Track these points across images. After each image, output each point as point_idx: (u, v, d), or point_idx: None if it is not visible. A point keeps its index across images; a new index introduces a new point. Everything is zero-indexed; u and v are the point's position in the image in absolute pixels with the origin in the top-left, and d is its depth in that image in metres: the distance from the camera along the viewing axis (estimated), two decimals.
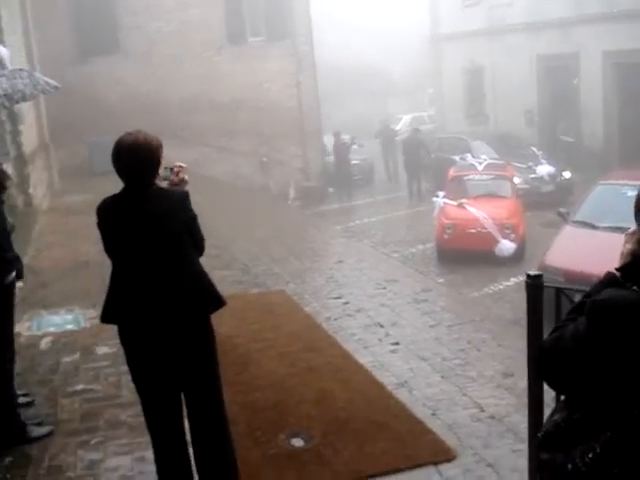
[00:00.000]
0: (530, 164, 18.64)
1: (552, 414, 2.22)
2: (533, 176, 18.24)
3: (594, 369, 1.99)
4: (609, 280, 2.10)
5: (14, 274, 5.14)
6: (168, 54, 20.32)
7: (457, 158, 18.84)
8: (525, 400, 4.32)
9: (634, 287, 2.00)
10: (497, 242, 13.12)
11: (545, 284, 4.07)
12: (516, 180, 15.94)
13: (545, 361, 2.15)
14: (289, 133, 21.58)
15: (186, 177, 4.16)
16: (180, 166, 4.15)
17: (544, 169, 18.49)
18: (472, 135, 22.23)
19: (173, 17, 20.36)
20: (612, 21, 19.85)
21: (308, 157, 22.22)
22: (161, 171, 3.92)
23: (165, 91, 20.10)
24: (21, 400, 5.54)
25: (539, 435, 2.17)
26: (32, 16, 17.16)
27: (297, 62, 21.81)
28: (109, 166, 3.87)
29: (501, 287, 11.77)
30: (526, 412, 4.26)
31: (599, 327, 1.95)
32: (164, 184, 4.00)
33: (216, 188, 17.53)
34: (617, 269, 2.11)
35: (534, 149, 19.88)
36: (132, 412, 5.42)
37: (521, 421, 5.13)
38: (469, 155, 18.48)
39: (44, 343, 7.27)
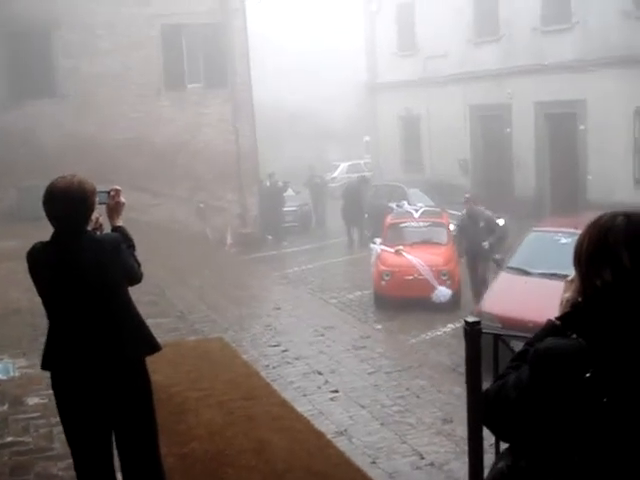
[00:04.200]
0: (464, 211, 18.93)
1: (496, 462, 2.21)
2: None
3: (537, 417, 2.00)
4: (550, 328, 2.12)
5: None
6: (106, 97, 20.15)
7: (394, 205, 19.05)
8: (464, 447, 4.32)
9: (574, 335, 2.02)
10: (434, 288, 13.24)
11: (483, 331, 4.11)
12: (452, 227, 16.17)
13: (489, 410, 2.16)
14: (227, 179, 21.56)
15: (122, 199, 4.11)
16: (116, 189, 4.10)
17: None
18: (408, 183, 22.56)
19: (111, 60, 20.25)
20: (542, 73, 20.56)
21: (245, 203, 22.20)
22: (97, 196, 3.84)
23: (103, 134, 19.89)
24: None
25: None
26: None
27: (235, 108, 21.90)
28: (40, 212, 3.78)
29: (439, 333, 11.86)
30: (466, 459, 4.25)
31: (541, 376, 1.97)
32: (99, 209, 3.91)
33: (151, 233, 17.34)
34: (557, 318, 2.14)
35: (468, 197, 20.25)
36: (64, 465, 5.23)
37: (461, 468, 5.13)
38: (405, 203, 18.70)
39: None
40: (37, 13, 19.01)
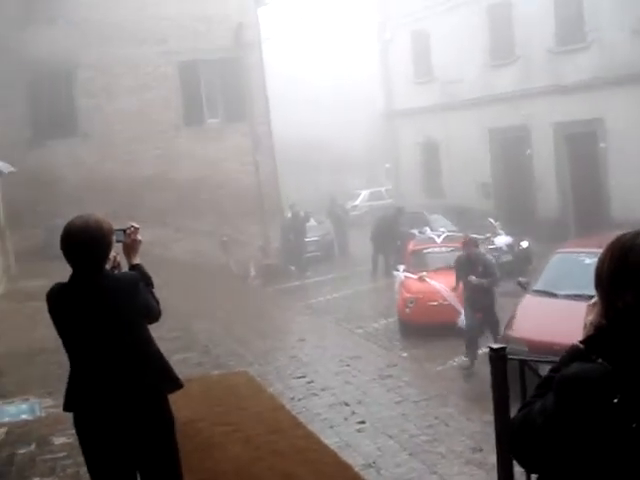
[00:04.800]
0: (488, 235, 18.84)
1: None
2: (491, 247, 18.40)
3: (563, 445, 1.94)
4: (574, 353, 2.07)
5: None
6: (127, 134, 20.40)
7: (416, 232, 18.98)
8: (495, 475, 4.23)
9: (599, 359, 1.97)
10: (459, 314, 13.11)
11: (509, 356, 4.05)
12: None
13: (515, 439, 2.10)
14: (249, 211, 21.64)
15: (139, 237, 4.10)
16: (133, 226, 4.09)
17: (502, 240, 18.70)
18: (430, 208, 22.49)
19: (131, 98, 20.51)
20: (560, 93, 20.53)
21: (268, 235, 22.26)
22: (114, 235, 3.84)
23: (124, 172, 20.09)
24: None
25: None
26: None
27: (255, 142, 22.04)
28: None
29: (466, 359, 11.69)
30: None
31: (567, 403, 1.91)
32: (117, 246, 3.92)
33: (175, 268, 17.40)
34: (581, 342, 2.08)
35: (491, 220, 20.16)
36: None
37: None
38: (427, 229, 18.63)
39: None
40: (58, 54, 19.31)
